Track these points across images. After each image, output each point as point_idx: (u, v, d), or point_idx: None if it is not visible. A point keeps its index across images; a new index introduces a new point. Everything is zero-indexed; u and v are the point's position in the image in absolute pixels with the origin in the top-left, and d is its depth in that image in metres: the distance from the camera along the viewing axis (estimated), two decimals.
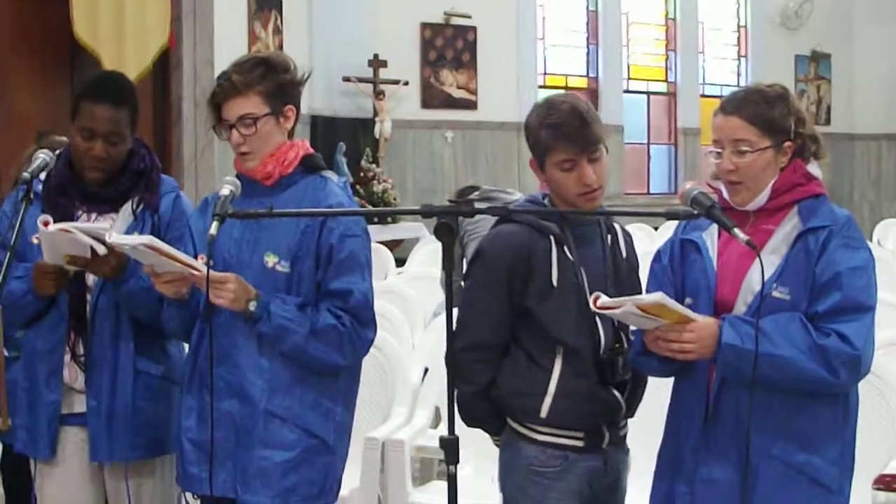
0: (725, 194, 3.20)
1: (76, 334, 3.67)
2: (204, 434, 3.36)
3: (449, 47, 13.66)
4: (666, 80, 15.94)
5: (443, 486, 4.79)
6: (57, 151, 3.74)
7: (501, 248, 3.31)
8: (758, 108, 3.14)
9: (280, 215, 3.24)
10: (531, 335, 3.33)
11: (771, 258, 3.06)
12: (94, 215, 3.69)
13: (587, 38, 15.11)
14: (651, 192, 16.09)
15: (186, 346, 3.65)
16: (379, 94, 12.68)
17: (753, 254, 3.05)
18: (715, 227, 3.19)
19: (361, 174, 12.27)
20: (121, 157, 3.68)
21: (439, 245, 2.79)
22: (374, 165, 12.45)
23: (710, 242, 3.22)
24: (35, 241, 3.55)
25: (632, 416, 3.44)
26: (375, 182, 12.35)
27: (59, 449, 3.72)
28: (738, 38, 16.35)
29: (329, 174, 3.52)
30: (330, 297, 3.36)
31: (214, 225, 3.03)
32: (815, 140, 3.23)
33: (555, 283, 3.29)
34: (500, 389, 3.34)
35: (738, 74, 16.36)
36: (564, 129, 3.24)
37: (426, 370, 5.29)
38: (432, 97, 13.53)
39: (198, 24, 10.56)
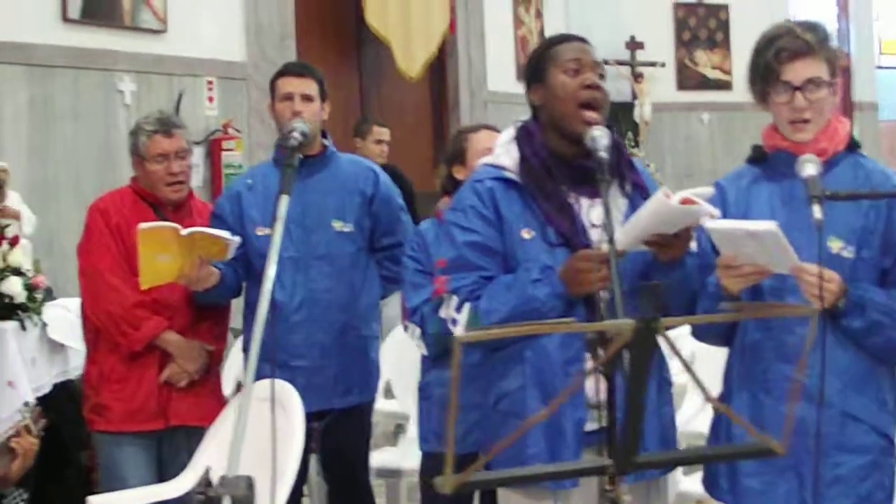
0: None
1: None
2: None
3: (702, 27, 13.24)
4: None
5: None
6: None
7: None
8: None
9: (887, 196, 2.98)
10: None
11: None
12: (583, 199, 3.15)
13: (837, 14, 14.54)
14: None
15: None
16: (637, 77, 12.40)
17: None
18: None
19: None
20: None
21: None
22: (637, 150, 12.14)
23: None
24: (526, 235, 3.15)
25: None
26: None
27: None
28: None
29: (863, 153, 3.24)
30: None
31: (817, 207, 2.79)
32: None
33: None
34: None
35: None
36: None
37: None
38: (688, 78, 13.13)
39: (470, 11, 10.43)
